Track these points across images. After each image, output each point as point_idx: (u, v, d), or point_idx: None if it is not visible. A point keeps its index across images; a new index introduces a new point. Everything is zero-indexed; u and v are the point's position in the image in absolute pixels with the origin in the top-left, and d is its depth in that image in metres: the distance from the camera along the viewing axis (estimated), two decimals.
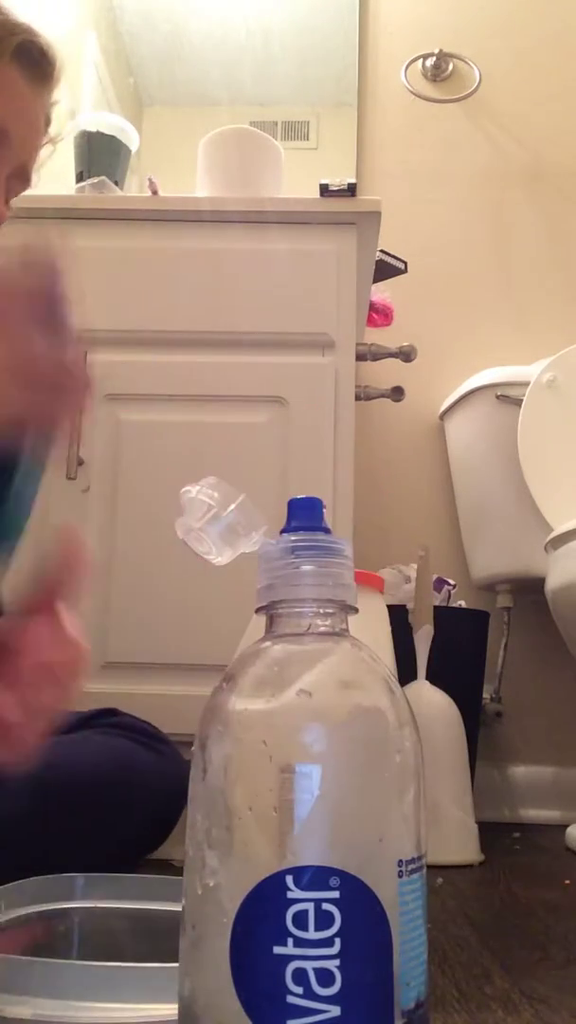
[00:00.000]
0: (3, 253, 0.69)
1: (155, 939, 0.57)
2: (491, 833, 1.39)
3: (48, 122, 0.79)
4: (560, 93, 2.08)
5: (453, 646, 1.48)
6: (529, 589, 1.65)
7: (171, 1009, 0.34)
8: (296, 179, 1.62)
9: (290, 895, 0.31)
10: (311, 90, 2.13)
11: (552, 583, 1.37)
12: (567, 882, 1.10)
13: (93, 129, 1.65)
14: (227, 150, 1.58)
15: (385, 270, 1.67)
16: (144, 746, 1.02)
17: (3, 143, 0.72)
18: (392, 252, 1.67)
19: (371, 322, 1.76)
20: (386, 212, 1.44)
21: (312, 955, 0.30)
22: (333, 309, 1.40)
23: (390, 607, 1.13)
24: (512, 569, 1.69)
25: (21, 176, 0.77)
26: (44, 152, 0.80)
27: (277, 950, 0.30)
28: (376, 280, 1.67)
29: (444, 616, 1.44)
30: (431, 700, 1.34)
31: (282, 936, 0.30)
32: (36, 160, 0.79)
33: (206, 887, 0.33)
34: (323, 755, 0.32)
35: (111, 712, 1.08)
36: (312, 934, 0.30)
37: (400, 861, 0.32)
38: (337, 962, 0.30)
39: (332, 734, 0.33)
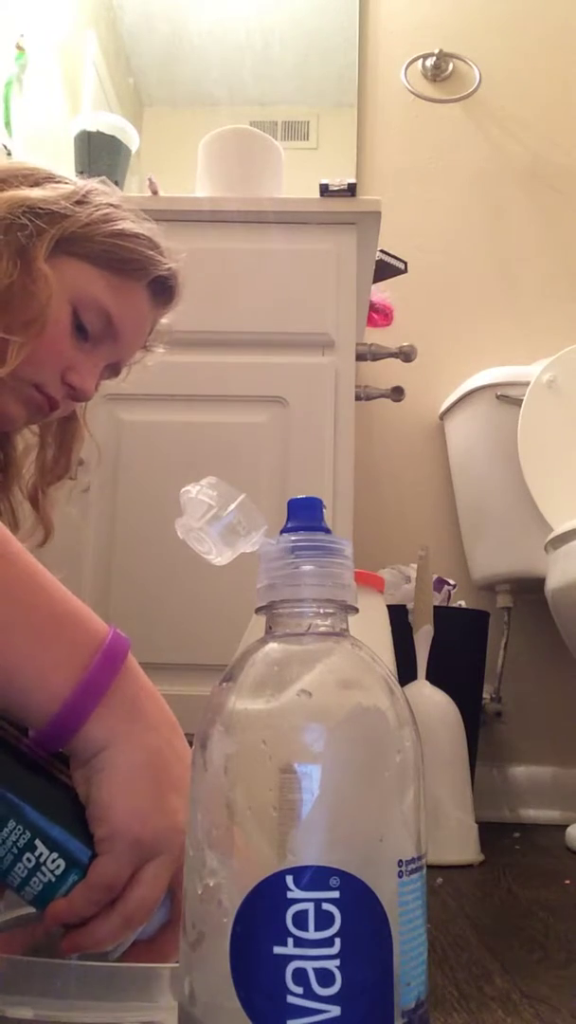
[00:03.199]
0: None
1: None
2: (491, 833, 1.39)
3: (151, 331, 0.94)
4: (560, 93, 2.08)
5: (453, 646, 1.48)
6: (529, 589, 1.65)
7: (171, 1009, 0.34)
8: (296, 179, 1.62)
9: (290, 895, 0.30)
10: (311, 90, 2.13)
11: (552, 583, 1.37)
12: (567, 882, 1.09)
13: (93, 129, 1.64)
14: (227, 150, 1.58)
15: (385, 270, 1.67)
16: None
17: (115, 341, 0.86)
18: (392, 252, 1.67)
19: (371, 322, 1.76)
20: (386, 212, 1.43)
21: (312, 955, 0.30)
22: (333, 309, 1.39)
23: (390, 607, 1.13)
24: (512, 569, 1.69)
25: (114, 369, 0.91)
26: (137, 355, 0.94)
27: (277, 950, 0.30)
28: (376, 280, 1.66)
29: (444, 616, 1.44)
30: (431, 700, 1.34)
31: (282, 936, 0.30)
32: (130, 360, 0.93)
33: (206, 887, 0.33)
34: (323, 755, 0.32)
35: None
36: (312, 934, 0.30)
37: (400, 861, 0.32)
38: (337, 962, 0.30)
39: (332, 734, 0.32)
